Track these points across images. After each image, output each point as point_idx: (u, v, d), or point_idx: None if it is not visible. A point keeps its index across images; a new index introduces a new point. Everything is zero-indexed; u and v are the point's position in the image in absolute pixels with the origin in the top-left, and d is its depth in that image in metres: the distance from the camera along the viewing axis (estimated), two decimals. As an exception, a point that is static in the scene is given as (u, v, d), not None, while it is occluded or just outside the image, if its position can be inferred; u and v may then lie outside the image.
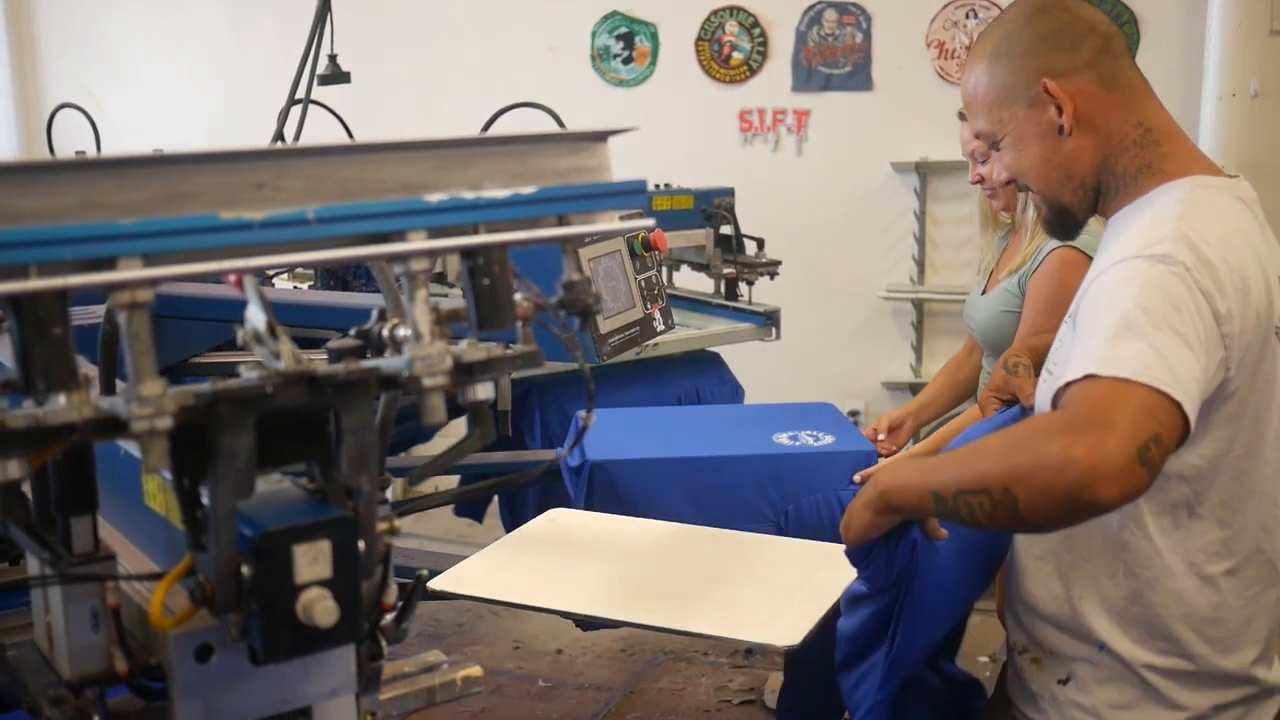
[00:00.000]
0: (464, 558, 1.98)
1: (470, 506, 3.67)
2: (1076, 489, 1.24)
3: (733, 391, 3.49)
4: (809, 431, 2.53)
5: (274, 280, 2.89)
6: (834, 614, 1.70)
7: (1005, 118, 1.56)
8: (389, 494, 1.07)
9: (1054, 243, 2.56)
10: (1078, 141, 1.53)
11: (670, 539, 2.09)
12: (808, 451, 2.42)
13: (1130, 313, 1.34)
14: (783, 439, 2.49)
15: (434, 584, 1.82)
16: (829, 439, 2.50)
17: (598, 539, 2.10)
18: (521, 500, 3.13)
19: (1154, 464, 1.26)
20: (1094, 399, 1.29)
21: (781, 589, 1.82)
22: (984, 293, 2.73)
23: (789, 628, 1.65)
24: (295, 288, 3.07)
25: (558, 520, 2.21)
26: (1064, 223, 1.62)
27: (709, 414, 3.01)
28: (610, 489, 2.33)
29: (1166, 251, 1.38)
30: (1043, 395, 1.60)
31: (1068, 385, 1.34)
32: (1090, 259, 2.50)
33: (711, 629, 1.71)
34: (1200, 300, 1.37)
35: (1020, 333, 2.56)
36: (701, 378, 3.42)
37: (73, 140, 3.22)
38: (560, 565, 1.97)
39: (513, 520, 3.04)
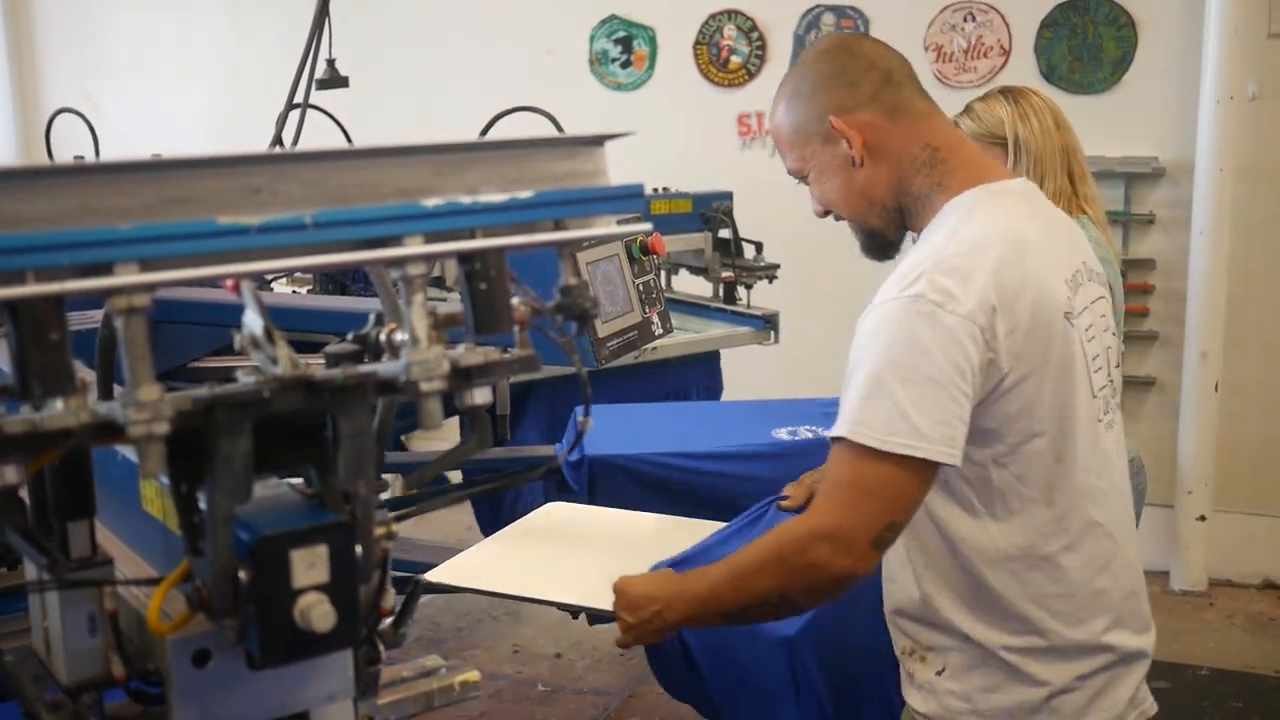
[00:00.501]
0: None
1: (486, 505, 3.66)
2: (835, 584, 1.54)
3: (717, 389, 3.50)
4: (807, 427, 2.53)
5: (272, 285, 2.89)
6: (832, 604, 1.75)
7: (806, 154, 1.69)
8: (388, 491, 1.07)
9: None
10: (871, 170, 1.65)
11: (667, 530, 2.09)
12: (808, 443, 2.43)
13: (879, 369, 1.49)
14: (782, 434, 2.49)
15: (430, 575, 1.82)
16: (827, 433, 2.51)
17: (595, 531, 2.11)
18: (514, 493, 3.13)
19: (888, 543, 1.52)
20: (841, 482, 1.53)
21: None
22: None
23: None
24: (294, 292, 3.06)
25: (555, 514, 2.22)
26: (877, 244, 1.73)
27: (708, 410, 3.00)
28: (609, 484, 2.34)
29: (918, 291, 1.50)
30: None
31: (832, 440, 1.54)
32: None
33: None
34: (951, 328, 1.48)
35: None
36: (689, 374, 3.42)
37: (72, 145, 3.22)
38: (557, 558, 1.97)
39: (493, 512, 3.03)
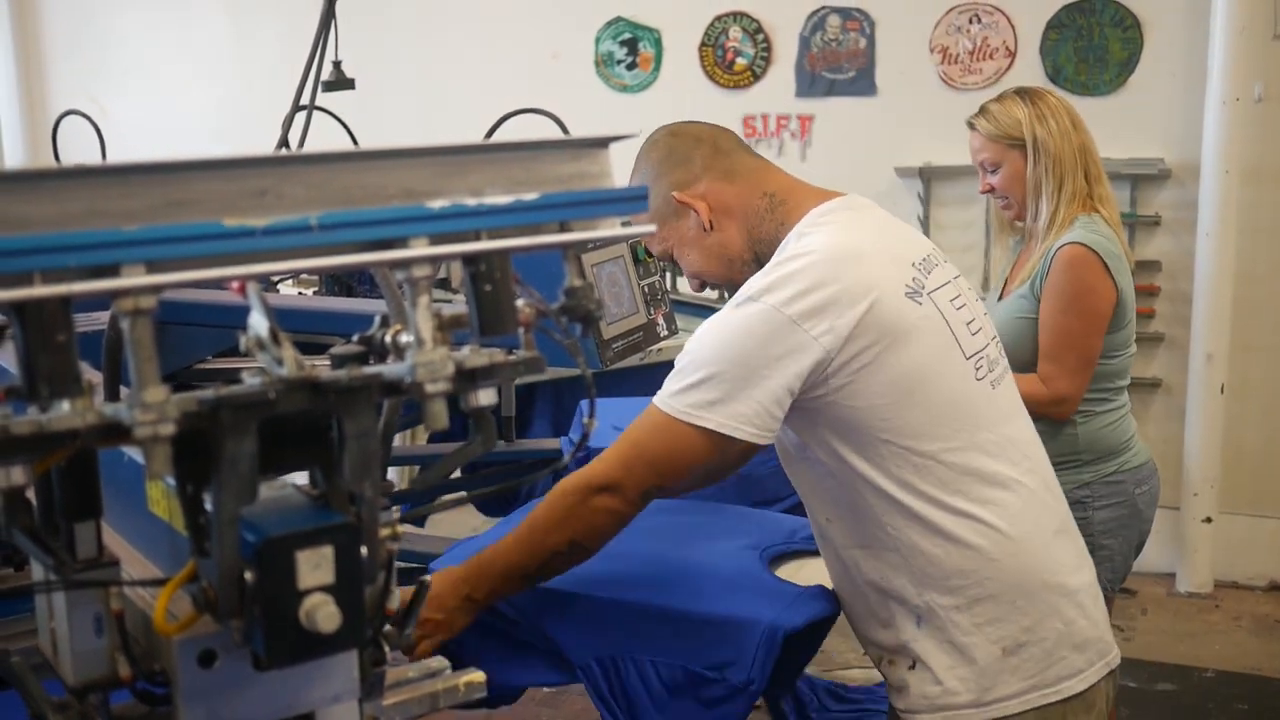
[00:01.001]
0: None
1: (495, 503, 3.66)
2: (617, 526, 1.70)
3: None
4: None
5: (278, 286, 2.90)
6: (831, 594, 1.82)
7: (666, 234, 1.83)
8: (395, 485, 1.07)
9: (1060, 242, 2.57)
10: (721, 233, 1.80)
11: (672, 519, 2.10)
12: None
13: (702, 359, 1.63)
14: None
15: (436, 565, 1.83)
16: None
17: None
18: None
19: (651, 498, 1.69)
20: (627, 442, 1.68)
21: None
22: (999, 299, 2.74)
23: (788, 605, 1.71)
24: (299, 294, 3.07)
25: None
26: None
27: None
28: None
29: (747, 296, 1.64)
30: None
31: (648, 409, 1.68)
32: (1098, 255, 2.54)
33: (701, 606, 1.72)
34: (771, 322, 1.60)
35: (1041, 333, 2.56)
36: None
37: (78, 147, 3.23)
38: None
39: (499, 503, 3.02)
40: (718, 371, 1.61)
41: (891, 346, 1.62)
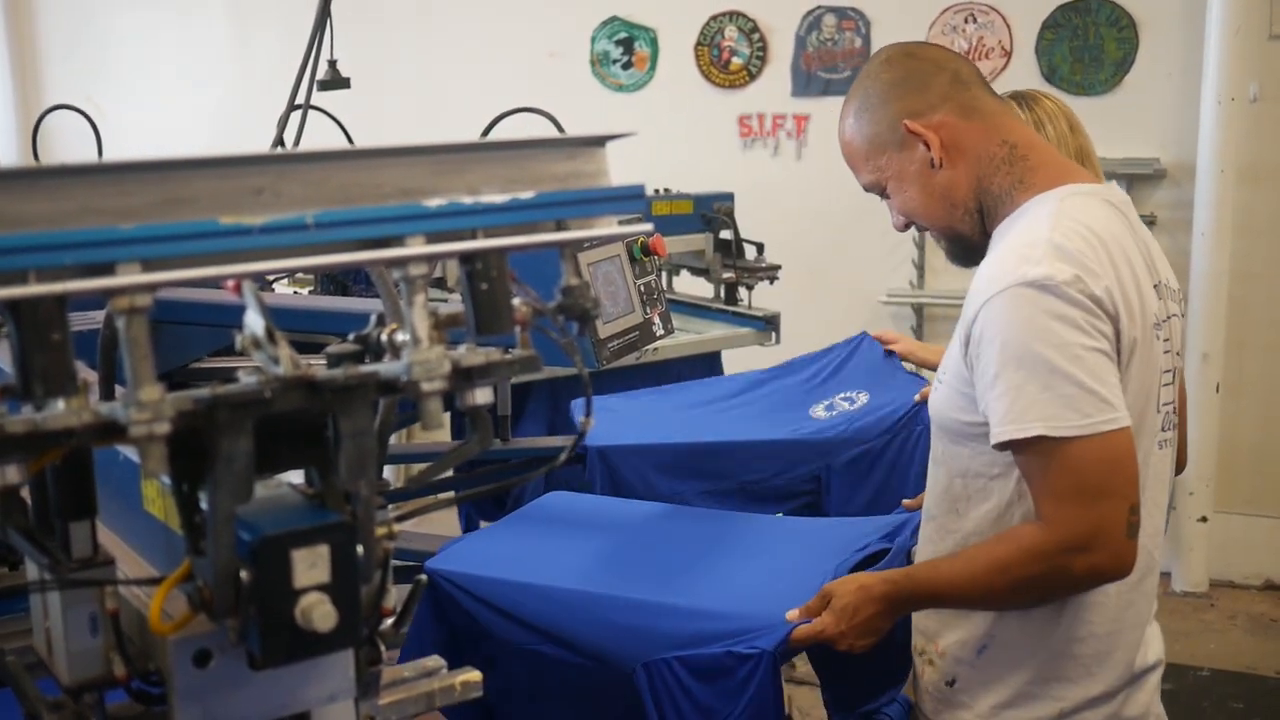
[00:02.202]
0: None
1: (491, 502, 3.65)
2: (1106, 581, 1.52)
3: None
4: (843, 395, 2.51)
5: (274, 285, 2.89)
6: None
7: (882, 164, 1.66)
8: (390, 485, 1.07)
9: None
10: (950, 171, 1.62)
11: (670, 520, 2.10)
12: (842, 423, 2.42)
13: (1039, 356, 1.43)
14: (819, 412, 2.48)
15: (430, 564, 1.83)
16: (864, 398, 2.49)
17: (595, 520, 2.12)
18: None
19: (1138, 527, 1.47)
20: (1066, 487, 1.45)
21: (778, 570, 1.84)
22: None
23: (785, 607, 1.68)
24: (295, 293, 3.06)
25: (557, 503, 2.23)
26: (963, 249, 1.70)
27: (736, 387, 2.86)
28: (612, 476, 2.35)
29: (1045, 274, 1.45)
30: (933, 400, 1.68)
31: (1014, 442, 1.47)
32: None
33: (703, 603, 1.72)
34: (1089, 305, 1.45)
35: None
36: (690, 375, 3.41)
37: (75, 147, 3.22)
38: (556, 545, 1.98)
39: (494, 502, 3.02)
40: (1070, 363, 1.44)
41: (1130, 369, 1.51)
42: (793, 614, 1.61)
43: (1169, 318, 1.61)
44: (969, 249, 1.67)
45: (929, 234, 1.75)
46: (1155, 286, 1.59)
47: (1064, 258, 1.47)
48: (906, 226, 1.72)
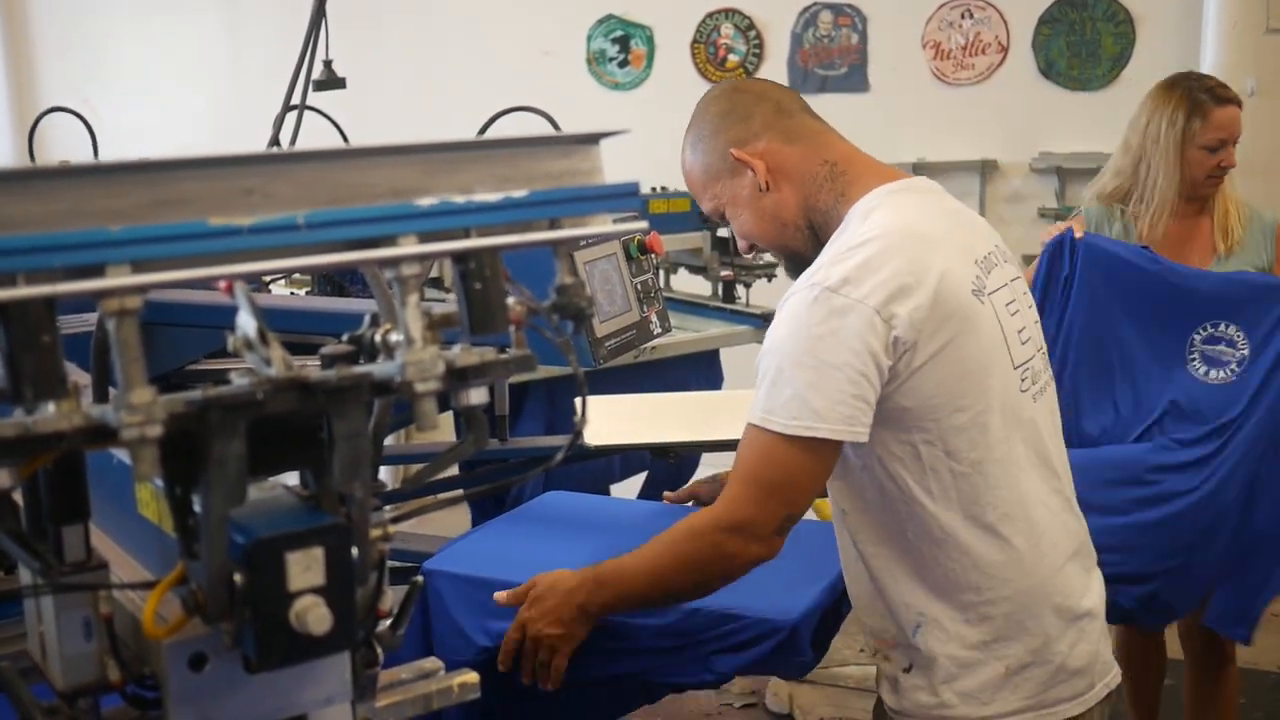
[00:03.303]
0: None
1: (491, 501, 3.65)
2: (747, 569, 1.64)
3: (717, 387, 3.49)
4: None
5: (270, 286, 2.89)
6: (831, 593, 1.80)
7: (717, 191, 1.77)
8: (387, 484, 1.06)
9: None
10: (777, 194, 1.73)
11: (669, 519, 2.10)
12: None
13: (781, 361, 1.56)
14: None
15: (428, 565, 1.83)
16: None
17: (593, 518, 2.12)
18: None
19: (788, 530, 1.62)
20: (750, 475, 1.61)
21: (779, 569, 1.84)
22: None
23: (788, 602, 1.71)
24: (291, 294, 3.06)
25: (554, 502, 2.24)
26: (798, 265, 1.76)
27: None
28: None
29: (816, 281, 1.57)
30: None
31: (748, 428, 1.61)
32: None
33: (701, 603, 1.71)
34: (847, 314, 1.54)
35: None
36: (688, 373, 3.41)
37: (70, 148, 3.22)
38: (553, 543, 1.98)
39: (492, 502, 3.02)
40: (803, 369, 1.54)
41: (953, 344, 1.57)
42: (500, 596, 1.75)
43: (1002, 285, 1.69)
44: (803, 265, 1.75)
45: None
46: (985, 256, 1.68)
47: (837, 266, 1.58)
48: (750, 249, 1.85)
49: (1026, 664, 1.65)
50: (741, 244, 1.83)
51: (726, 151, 1.73)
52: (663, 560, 1.66)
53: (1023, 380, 1.68)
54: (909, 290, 1.55)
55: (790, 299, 1.60)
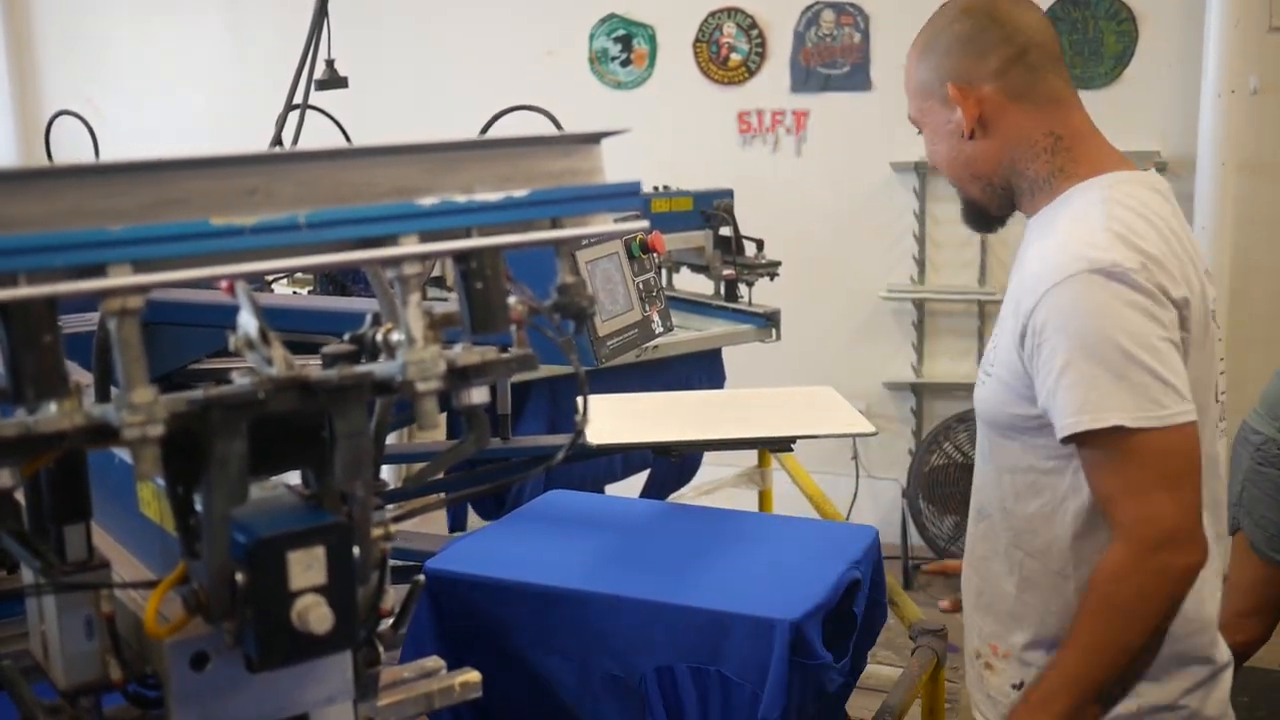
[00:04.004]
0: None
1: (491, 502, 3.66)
2: (1185, 584, 1.44)
3: (719, 387, 3.49)
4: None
5: (272, 286, 2.89)
6: (833, 594, 1.75)
7: (925, 109, 1.65)
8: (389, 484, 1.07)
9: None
10: (980, 145, 1.60)
11: (672, 519, 2.11)
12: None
13: (1115, 346, 1.39)
14: None
15: (430, 564, 1.83)
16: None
17: (595, 518, 2.12)
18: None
19: (1201, 523, 1.43)
20: (1143, 480, 1.40)
21: (780, 568, 1.85)
22: None
23: (789, 602, 1.69)
24: (294, 293, 3.06)
25: (556, 501, 2.24)
26: (975, 215, 1.69)
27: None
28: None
29: (1113, 261, 1.42)
30: (981, 395, 1.64)
31: (1087, 434, 1.40)
32: None
33: (704, 602, 1.71)
34: (1157, 294, 1.42)
35: None
36: (690, 372, 3.41)
37: (72, 148, 3.22)
38: (556, 542, 1.98)
39: (494, 501, 3.02)
40: (1128, 359, 1.39)
41: (1191, 360, 1.46)
42: None
43: (1213, 309, 1.58)
44: (981, 217, 1.67)
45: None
46: (1207, 272, 1.57)
47: (1129, 245, 1.44)
48: (934, 167, 1.72)
49: (1160, 710, 1.52)
50: (930, 157, 1.71)
51: (945, 81, 1.60)
52: (1103, 629, 1.44)
53: (1220, 416, 1.57)
54: (1184, 285, 1.46)
55: (1075, 281, 1.42)
